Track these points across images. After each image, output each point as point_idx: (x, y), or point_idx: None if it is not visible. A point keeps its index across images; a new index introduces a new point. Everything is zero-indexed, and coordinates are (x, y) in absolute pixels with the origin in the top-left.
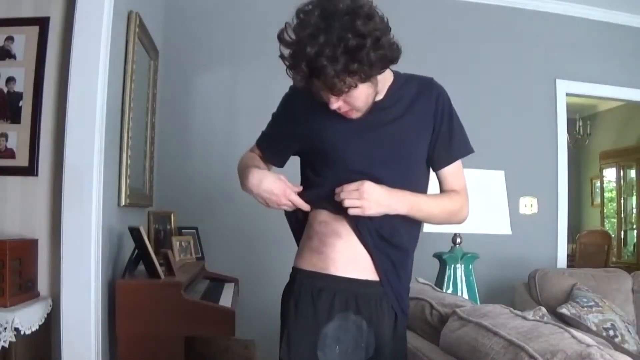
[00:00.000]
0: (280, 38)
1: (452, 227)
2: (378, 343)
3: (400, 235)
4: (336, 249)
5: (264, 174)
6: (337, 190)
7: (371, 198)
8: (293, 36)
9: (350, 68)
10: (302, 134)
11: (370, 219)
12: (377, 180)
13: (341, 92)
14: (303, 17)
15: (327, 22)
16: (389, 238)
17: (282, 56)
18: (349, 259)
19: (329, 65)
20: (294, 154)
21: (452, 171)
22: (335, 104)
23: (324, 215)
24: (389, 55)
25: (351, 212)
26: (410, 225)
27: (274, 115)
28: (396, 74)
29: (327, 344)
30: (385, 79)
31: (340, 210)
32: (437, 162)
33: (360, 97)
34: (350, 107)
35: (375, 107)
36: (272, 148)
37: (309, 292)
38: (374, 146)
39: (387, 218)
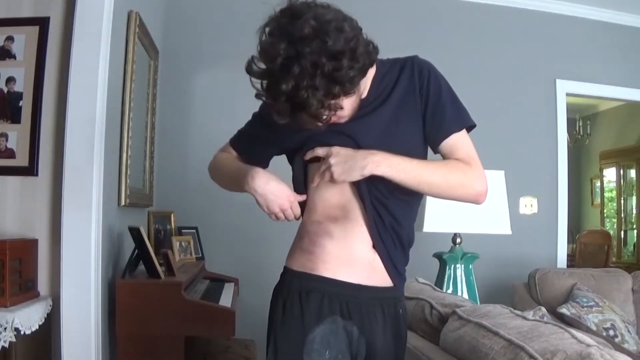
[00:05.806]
0: (250, 72)
1: (452, 226)
2: (369, 353)
3: (401, 225)
4: (327, 249)
5: (270, 176)
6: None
7: (337, 159)
8: (263, 67)
9: (332, 92)
10: (279, 141)
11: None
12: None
13: (329, 118)
14: (269, 49)
15: (296, 50)
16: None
17: (258, 95)
18: (340, 260)
19: (310, 97)
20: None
21: (451, 145)
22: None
23: (317, 215)
24: (368, 62)
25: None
26: (409, 212)
27: (254, 115)
28: (378, 63)
29: (315, 348)
30: (368, 75)
31: (333, 208)
32: (432, 141)
33: (346, 108)
34: (338, 118)
35: (360, 105)
36: (248, 150)
37: (297, 294)
38: (351, 143)
39: (387, 203)
